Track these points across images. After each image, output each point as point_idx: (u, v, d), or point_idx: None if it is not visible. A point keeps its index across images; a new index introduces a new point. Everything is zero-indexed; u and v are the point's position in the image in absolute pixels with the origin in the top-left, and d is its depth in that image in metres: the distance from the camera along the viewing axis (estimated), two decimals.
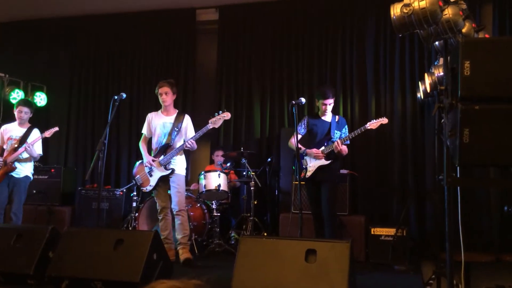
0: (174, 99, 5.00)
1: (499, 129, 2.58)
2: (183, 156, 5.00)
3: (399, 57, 6.12)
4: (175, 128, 4.85)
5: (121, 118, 7.11)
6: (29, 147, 5.05)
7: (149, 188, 4.91)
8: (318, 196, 4.76)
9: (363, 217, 5.43)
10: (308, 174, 4.75)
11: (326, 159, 4.70)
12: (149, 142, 5.08)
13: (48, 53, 7.54)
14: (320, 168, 4.71)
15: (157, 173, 4.83)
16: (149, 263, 3.34)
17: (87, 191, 6.34)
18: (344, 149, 4.72)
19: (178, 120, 4.91)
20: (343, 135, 4.79)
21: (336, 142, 4.60)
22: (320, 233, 4.76)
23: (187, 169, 5.13)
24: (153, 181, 4.86)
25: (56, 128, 5.29)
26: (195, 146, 4.85)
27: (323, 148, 4.72)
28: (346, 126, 4.86)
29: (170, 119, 4.94)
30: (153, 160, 4.85)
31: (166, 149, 4.84)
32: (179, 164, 4.89)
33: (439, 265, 3.72)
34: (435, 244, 5.13)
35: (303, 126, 4.86)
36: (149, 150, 5.05)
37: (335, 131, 4.75)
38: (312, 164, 4.75)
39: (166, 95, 4.91)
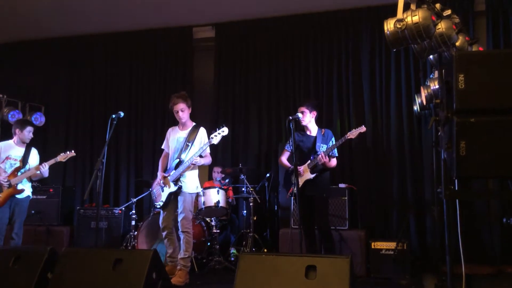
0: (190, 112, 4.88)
1: (496, 141, 2.59)
2: (195, 173, 4.85)
3: (394, 71, 6.16)
4: (187, 143, 4.74)
5: (120, 136, 7.11)
6: (44, 166, 5.01)
7: (160, 203, 4.82)
8: (309, 210, 4.72)
9: (363, 231, 5.41)
10: (295, 189, 4.70)
11: (312, 172, 4.70)
12: None
13: (46, 73, 7.57)
14: (308, 183, 4.71)
15: (167, 190, 4.76)
16: (148, 282, 3.31)
17: (86, 211, 6.32)
18: (332, 162, 4.73)
19: (192, 134, 4.79)
20: None
21: (320, 155, 4.62)
22: (311, 248, 4.70)
23: None
24: (163, 196, 4.79)
25: (73, 153, 5.21)
26: (202, 162, 4.73)
27: (308, 162, 4.75)
28: (333, 139, 4.84)
29: (184, 133, 4.84)
30: (164, 177, 4.79)
31: (177, 165, 4.75)
32: (189, 181, 4.75)
33: (441, 278, 3.71)
34: (436, 257, 5.11)
35: (290, 143, 4.86)
36: None
37: (321, 144, 4.77)
38: (299, 179, 4.70)
39: (182, 112, 4.79)
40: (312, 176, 4.70)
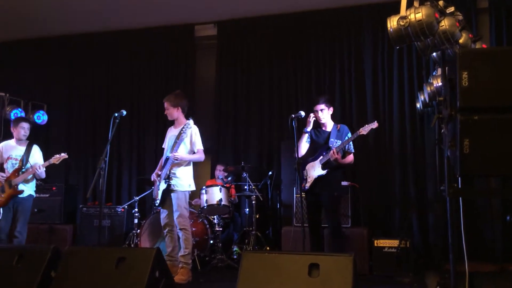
0: (180, 110, 4.89)
1: (499, 139, 2.59)
2: (187, 170, 4.83)
3: (397, 68, 6.14)
4: (177, 141, 4.75)
5: (122, 135, 7.11)
6: (39, 169, 5.00)
7: (158, 201, 4.82)
8: (317, 207, 4.72)
9: (366, 229, 5.40)
10: (307, 185, 4.71)
11: (323, 168, 4.64)
12: None
13: (48, 71, 7.57)
14: (319, 179, 4.66)
15: (161, 187, 4.78)
16: (152, 280, 3.31)
17: (89, 209, 6.32)
18: (347, 158, 4.69)
19: (182, 132, 4.83)
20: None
21: (332, 151, 4.56)
22: (316, 246, 4.69)
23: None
24: (159, 194, 4.80)
25: (65, 155, 5.17)
26: (187, 158, 4.74)
27: (320, 157, 4.69)
28: (349, 134, 4.76)
29: (176, 131, 4.86)
30: (157, 175, 4.82)
31: (166, 163, 4.78)
32: (181, 179, 4.75)
33: (443, 276, 3.71)
34: (438, 255, 5.11)
35: (307, 132, 4.83)
36: None
37: (335, 140, 4.70)
38: (310, 175, 4.72)
39: (166, 110, 4.91)
40: (323, 172, 4.64)
